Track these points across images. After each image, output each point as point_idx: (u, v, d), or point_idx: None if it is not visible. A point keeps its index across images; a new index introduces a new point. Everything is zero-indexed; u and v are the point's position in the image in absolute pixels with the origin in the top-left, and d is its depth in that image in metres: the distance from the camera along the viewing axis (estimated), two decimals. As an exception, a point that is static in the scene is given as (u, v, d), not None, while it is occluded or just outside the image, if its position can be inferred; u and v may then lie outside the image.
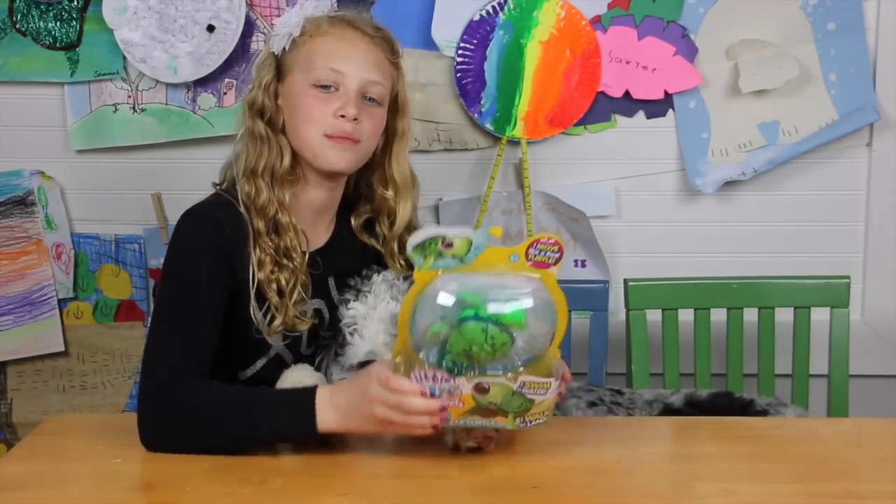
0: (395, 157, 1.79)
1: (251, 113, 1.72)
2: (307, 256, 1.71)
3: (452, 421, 1.41)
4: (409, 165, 1.82)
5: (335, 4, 2.28)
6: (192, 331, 1.59)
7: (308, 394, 1.49)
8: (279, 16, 2.30)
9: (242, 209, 1.68)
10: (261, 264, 1.65)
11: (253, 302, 1.66)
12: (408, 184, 1.80)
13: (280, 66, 1.73)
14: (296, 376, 1.62)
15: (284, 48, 1.72)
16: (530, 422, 1.43)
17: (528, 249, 1.39)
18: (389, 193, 1.79)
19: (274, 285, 1.66)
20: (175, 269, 1.65)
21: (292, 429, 1.49)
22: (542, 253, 1.39)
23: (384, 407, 1.41)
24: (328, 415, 1.47)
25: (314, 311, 1.72)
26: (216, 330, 1.62)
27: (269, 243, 1.67)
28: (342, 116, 1.67)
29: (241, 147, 1.74)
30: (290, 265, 1.68)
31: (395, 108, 1.78)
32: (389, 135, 1.79)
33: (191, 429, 1.51)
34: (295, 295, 1.67)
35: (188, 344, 1.58)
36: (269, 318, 1.67)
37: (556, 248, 1.39)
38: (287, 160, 1.71)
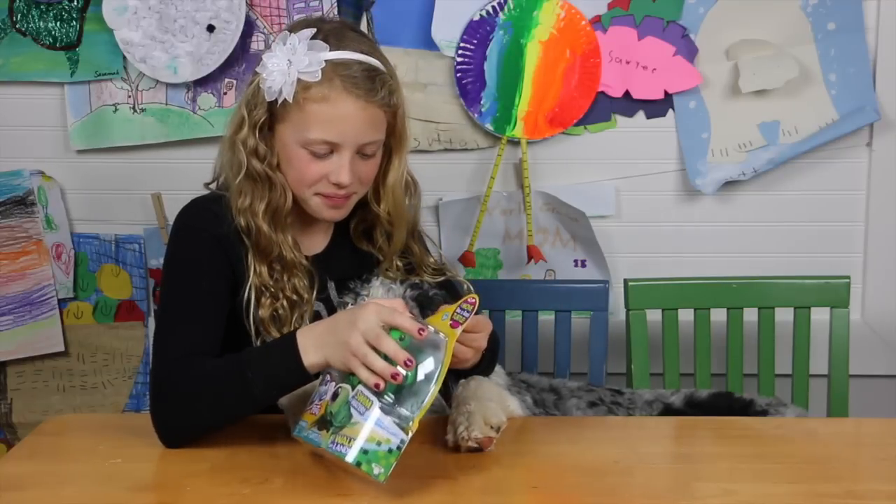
0: (389, 185, 1.74)
1: (246, 153, 1.65)
2: (315, 282, 1.69)
3: (307, 427, 1.41)
4: (403, 187, 1.77)
5: (335, 6, 2.28)
6: (197, 320, 1.59)
7: (289, 336, 1.49)
8: (279, 16, 2.30)
9: (242, 235, 1.66)
10: (260, 304, 1.64)
11: (250, 326, 1.65)
12: (401, 209, 1.76)
13: (272, 110, 1.65)
14: None
15: (276, 100, 1.63)
16: (338, 444, 1.36)
17: (456, 308, 1.43)
18: (382, 213, 1.75)
19: (279, 313, 1.64)
20: (175, 260, 1.66)
21: (284, 376, 1.48)
22: (461, 313, 1.43)
23: (361, 338, 1.39)
24: (309, 349, 1.46)
25: (314, 314, 1.71)
26: (222, 318, 1.62)
27: (270, 282, 1.65)
28: (335, 184, 1.64)
29: (232, 180, 1.67)
30: (294, 297, 1.66)
31: (393, 135, 1.71)
32: (384, 159, 1.73)
33: (196, 408, 1.51)
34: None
35: (193, 333, 1.58)
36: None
37: (472, 308, 1.43)
38: (290, 199, 1.67)
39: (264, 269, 1.65)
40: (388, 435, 1.34)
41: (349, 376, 1.41)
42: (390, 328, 1.40)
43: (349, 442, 1.34)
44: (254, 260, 1.65)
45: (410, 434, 1.35)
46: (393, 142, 1.72)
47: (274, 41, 1.64)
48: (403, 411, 1.36)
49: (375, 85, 1.63)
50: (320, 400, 1.43)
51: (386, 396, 1.37)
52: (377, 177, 1.74)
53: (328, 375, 1.45)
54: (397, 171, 1.74)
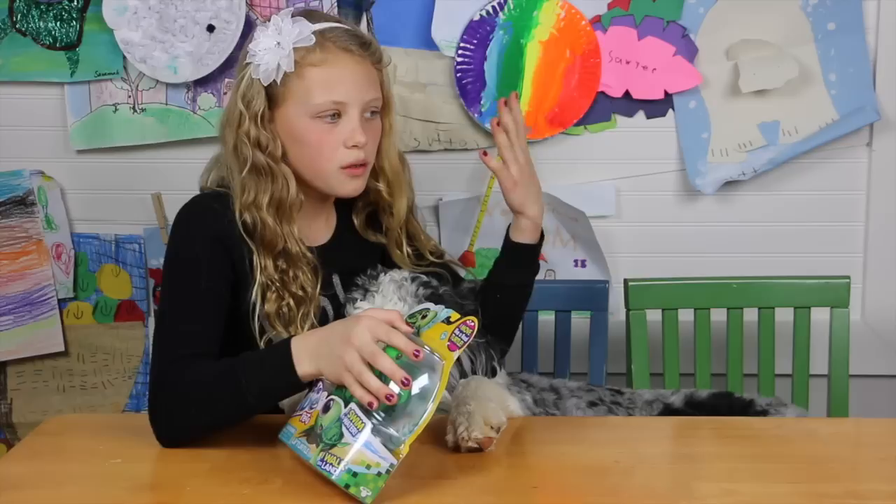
0: (384, 150, 1.77)
1: (249, 145, 1.66)
2: (319, 275, 1.69)
3: (296, 436, 1.41)
4: (397, 154, 1.81)
5: (335, 6, 2.28)
6: (196, 319, 1.59)
7: (284, 345, 1.47)
8: (279, 16, 2.30)
9: (244, 234, 1.66)
10: (266, 299, 1.64)
11: (255, 328, 1.65)
12: (399, 176, 1.80)
13: (270, 95, 1.67)
14: None
15: (275, 80, 1.66)
16: (326, 463, 1.35)
17: (454, 330, 1.38)
18: (382, 186, 1.78)
19: (284, 311, 1.64)
20: (175, 261, 1.65)
21: (277, 385, 1.47)
22: (459, 335, 1.38)
23: (356, 355, 1.37)
24: (303, 359, 1.44)
25: (320, 311, 1.71)
26: (221, 318, 1.62)
27: (276, 276, 1.65)
28: (354, 146, 1.66)
29: (236, 177, 1.68)
30: (300, 294, 1.66)
31: (382, 99, 1.75)
32: None
33: (190, 411, 1.50)
34: (306, 325, 1.65)
35: (192, 333, 1.58)
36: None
37: (471, 332, 1.38)
38: (293, 189, 1.68)
39: (270, 264, 1.65)
40: (378, 459, 1.33)
41: (342, 389, 1.40)
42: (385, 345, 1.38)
43: (338, 462, 1.34)
44: (259, 255, 1.65)
45: (401, 458, 1.34)
46: (383, 108, 1.76)
47: (253, 32, 1.69)
48: (394, 432, 1.35)
49: (364, 41, 1.70)
50: (311, 408, 1.42)
51: (377, 414, 1.35)
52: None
53: (320, 383, 1.44)
54: (389, 135, 1.78)
